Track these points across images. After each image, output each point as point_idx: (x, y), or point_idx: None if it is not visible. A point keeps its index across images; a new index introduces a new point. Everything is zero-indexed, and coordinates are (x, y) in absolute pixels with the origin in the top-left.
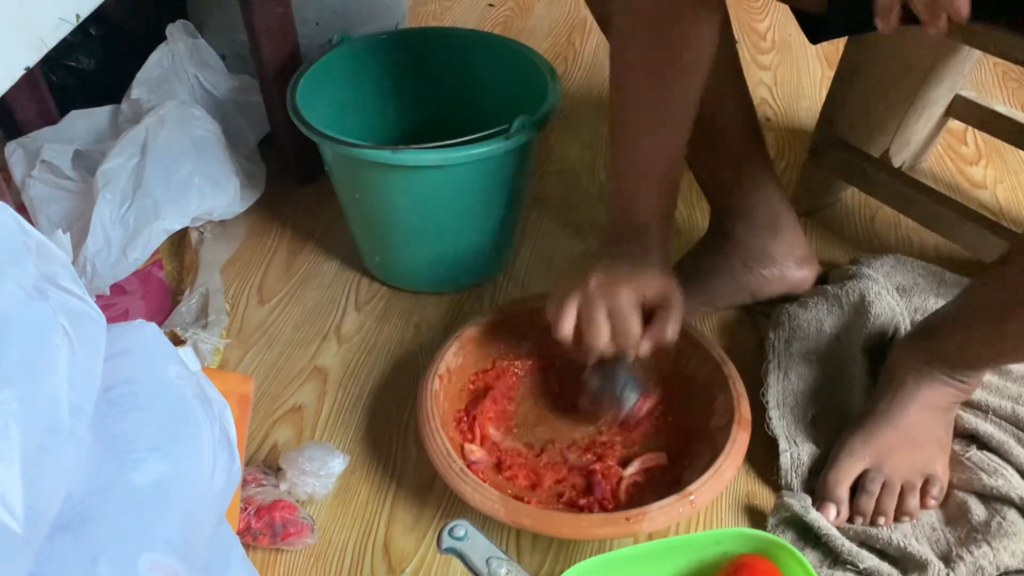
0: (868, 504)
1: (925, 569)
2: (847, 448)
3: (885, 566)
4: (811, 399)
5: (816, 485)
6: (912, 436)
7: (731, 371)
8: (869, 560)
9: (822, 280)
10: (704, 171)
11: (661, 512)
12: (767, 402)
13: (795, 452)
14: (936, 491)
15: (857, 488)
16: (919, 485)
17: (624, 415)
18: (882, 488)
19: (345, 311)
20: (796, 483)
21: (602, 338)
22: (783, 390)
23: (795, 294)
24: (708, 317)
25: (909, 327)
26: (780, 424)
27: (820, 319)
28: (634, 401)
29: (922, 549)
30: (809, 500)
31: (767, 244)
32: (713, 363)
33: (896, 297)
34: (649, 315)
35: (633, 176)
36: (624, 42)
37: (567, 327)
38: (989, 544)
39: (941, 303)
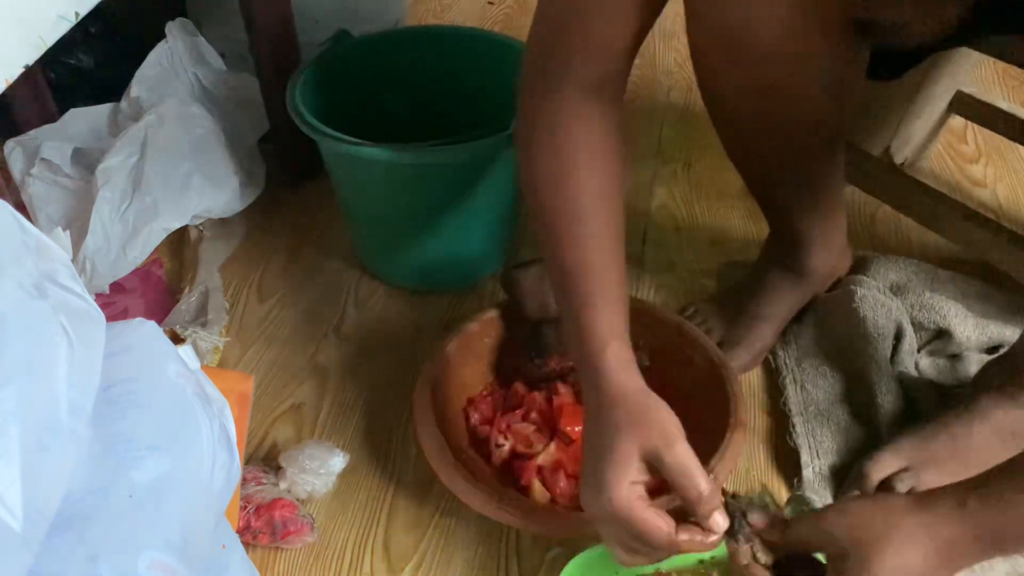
0: None
1: None
2: (895, 444)
3: None
4: (832, 406)
5: (838, 492)
6: (967, 455)
7: (729, 373)
8: None
9: None
10: (773, 195)
11: None
12: (789, 410)
13: (817, 465)
14: None
15: (885, 483)
16: None
17: (538, 365)
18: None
19: (345, 309)
20: (820, 496)
21: (642, 559)
22: (803, 400)
23: None
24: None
25: (909, 323)
26: (804, 432)
27: (820, 337)
28: (547, 355)
29: None
30: (830, 497)
31: (836, 266)
32: (711, 364)
33: (889, 295)
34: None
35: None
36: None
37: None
38: None
39: (936, 297)
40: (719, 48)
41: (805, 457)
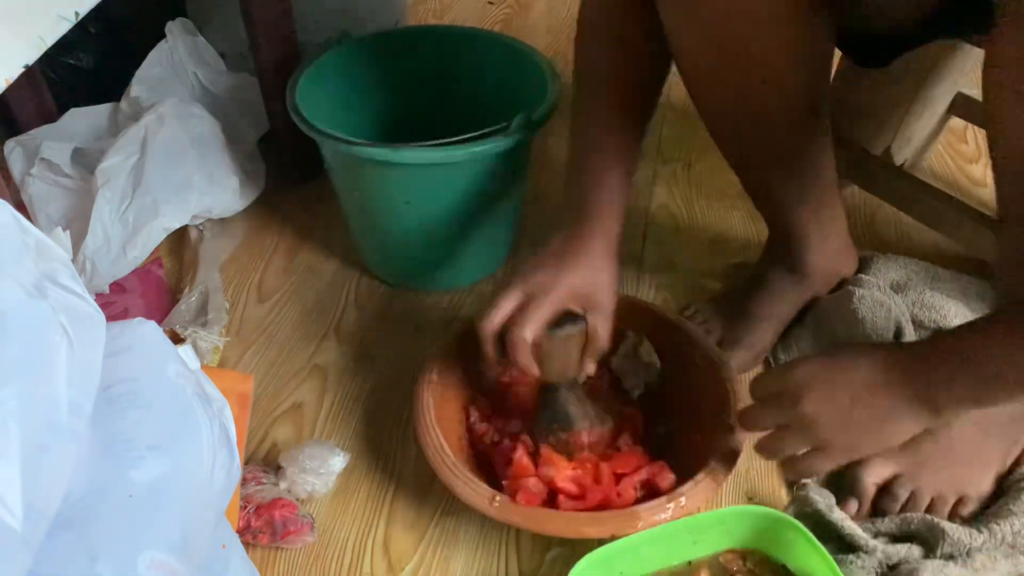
0: (891, 507)
1: (946, 536)
2: (884, 451)
3: (904, 547)
4: None
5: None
6: (954, 451)
7: (729, 372)
8: (891, 548)
9: None
10: (760, 182)
11: (650, 513)
12: None
13: None
14: (966, 512)
15: (884, 490)
16: (951, 502)
17: (566, 440)
18: (910, 496)
19: (345, 309)
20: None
21: (523, 358)
22: None
23: None
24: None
25: (909, 321)
26: None
27: (820, 338)
28: (576, 427)
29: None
30: (833, 498)
31: (838, 266)
32: (711, 363)
33: (890, 294)
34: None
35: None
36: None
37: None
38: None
39: (937, 295)
40: (693, 27)
41: None
